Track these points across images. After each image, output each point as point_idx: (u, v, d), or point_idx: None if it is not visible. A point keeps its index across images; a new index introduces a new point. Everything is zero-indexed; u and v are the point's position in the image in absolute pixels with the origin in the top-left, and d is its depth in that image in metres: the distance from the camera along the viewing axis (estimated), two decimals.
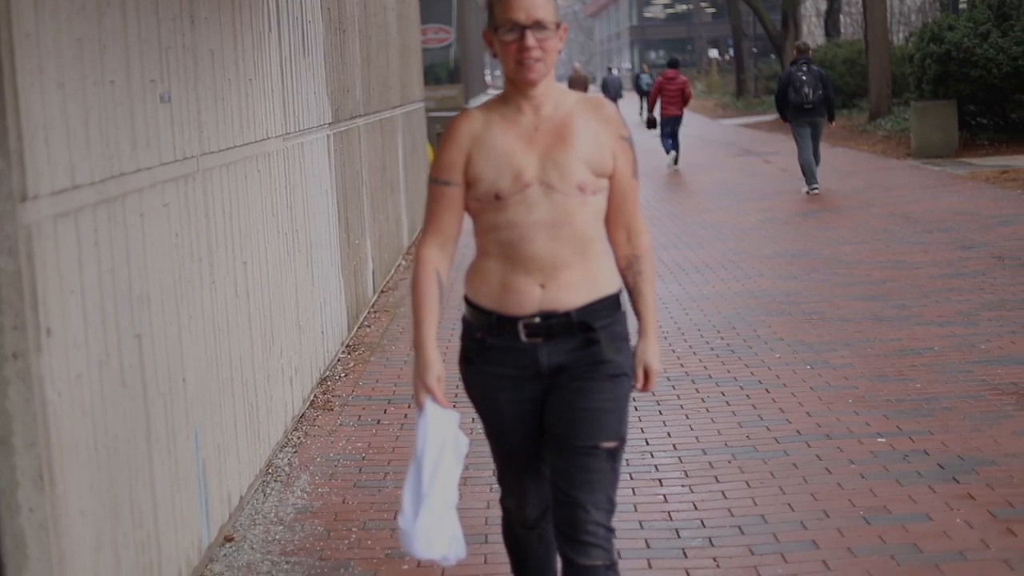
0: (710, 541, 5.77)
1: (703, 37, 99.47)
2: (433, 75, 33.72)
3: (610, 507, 4.10)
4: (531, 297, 4.04)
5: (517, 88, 4.08)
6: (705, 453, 7.05)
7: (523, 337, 4.07)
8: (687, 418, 7.73)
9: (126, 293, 4.71)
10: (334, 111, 10.14)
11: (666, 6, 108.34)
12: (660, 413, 7.82)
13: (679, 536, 5.86)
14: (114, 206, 4.64)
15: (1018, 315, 9.99)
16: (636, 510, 6.17)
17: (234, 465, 6.24)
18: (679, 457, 7.01)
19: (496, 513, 5.76)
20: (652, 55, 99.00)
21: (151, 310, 5.02)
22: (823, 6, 56.50)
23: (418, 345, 4.10)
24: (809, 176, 19.80)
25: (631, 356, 4.20)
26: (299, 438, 7.63)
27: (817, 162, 20.04)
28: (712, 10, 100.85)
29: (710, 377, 8.69)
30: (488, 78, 62.66)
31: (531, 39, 3.96)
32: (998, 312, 10.15)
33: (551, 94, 4.10)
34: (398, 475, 6.86)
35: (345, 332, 10.08)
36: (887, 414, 7.52)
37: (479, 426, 4.35)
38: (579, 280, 4.05)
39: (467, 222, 4.21)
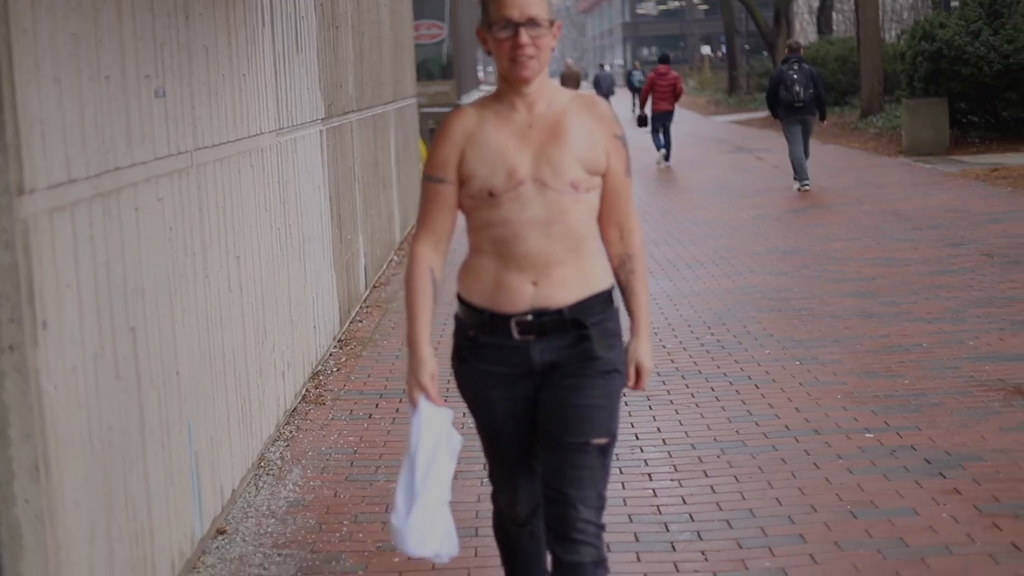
0: (699, 535, 5.82)
1: (696, 34, 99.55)
2: (426, 71, 33.73)
3: (600, 504, 4.12)
4: (523, 295, 4.05)
5: (511, 85, 4.09)
6: (694, 448, 7.10)
7: (516, 335, 4.08)
8: (677, 413, 7.79)
9: (121, 287, 4.76)
10: (327, 106, 10.19)
11: (659, 2, 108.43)
12: (650, 408, 7.87)
13: (668, 530, 5.91)
14: (109, 200, 4.69)
15: (1006, 312, 10.05)
16: (625, 504, 6.22)
17: (227, 458, 6.28)
18: (668, 452, 7.06)
19: (487, 507, 5.79)
20: (645, 51, 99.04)
21: (145, 304, 5.06)
22: (815, 3, 56.58)
23: (411, 343, 4.12)
24: (800, 172, 19.88)
25: (623, 353, 4.22)
26: (291, 432, 7.68)
27: (806, 159, 20.12)
28: (705, 7, 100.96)
29: (700, 373, 8.74)
30: (481, 74, 62.66)
31: (525, 36, 3.97)
32: (986, 309, 10.21)
33: (545, 91, 4.12)
34: (389, 469, 6.91)
35: (337, 327, 10.13)
36: (875, 410, 7.58)
37: (470, 421, 4.38)
38: (571, 277, 4.07)
39: (460, 220, 4.24)
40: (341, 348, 9.93)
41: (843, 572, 5.32)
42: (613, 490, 5.97)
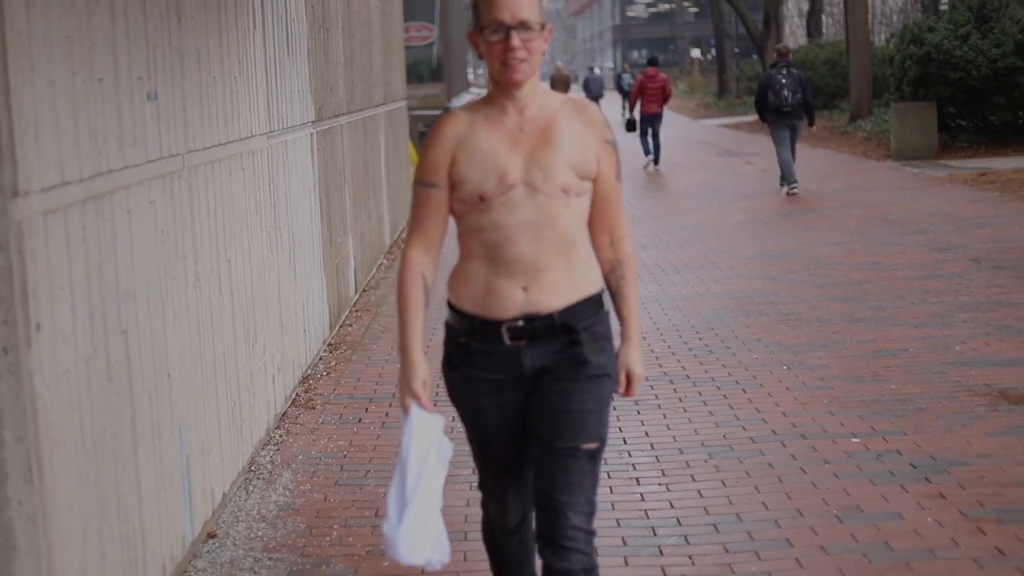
0: (686, 539, 5.86)
1: (685, 37, 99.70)
2: (416, 73, 33.73)
3: (590, 509, 4.13)
4: (514, 300, 4.06)
5: (502, 89, 4.09)
6: (682, 452, 7.14)
7: (507, 340, 4.09)
8: (664, 418, 7.82)
9: (113, 289, 4.78)
10: (317, 109, 10.21)
11: (648, 5, 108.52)
12: (638, 413, 7.90)
13: (655, 534, 5.94)
14: (102, 203, 4.71)
15: (992, 317, 10.10)
16: (613, 508, 6.25)
17: (217, 462, 6.30)
18: (656, 456, 7.09)
19: (476, 511, 5.82)
20: (635, 54, 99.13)
21: (137, 306, 5.08)
22: (805, 6, 56.70)
23: (403, 349, 4.13)
24: (788, 176, 19.95)
25: (614, 357, 4.23)
26: (281, 436, 7.70)
27: (794, 162, 20.21)
28: (695, 10, 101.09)
29: (688, 377, 8.77)
30: (471, 76, 62.64)
31: (516, 39, 3.97)
32: (973, 314, 10.26)
33: (536, 95, 4.12)
34: (379, 473, 6.94)
35: (327, 330, 10.15)
36: (862, 414, 7.62)
37: (460, 426, 4.39)
38: (561, 282, 4.08)
39: (452, 224, 4.26)
40: (331, 352, 9.95)
41: None
42: (601, 494, 5.96)
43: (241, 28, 7.41)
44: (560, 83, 40.11)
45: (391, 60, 17.42)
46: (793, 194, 19.76)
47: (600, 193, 4.18)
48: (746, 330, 10.14)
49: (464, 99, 37.62)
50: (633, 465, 6.95)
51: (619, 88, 50.20)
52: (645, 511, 6.24)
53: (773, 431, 7.41)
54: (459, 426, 4.39)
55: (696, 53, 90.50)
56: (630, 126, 26.77)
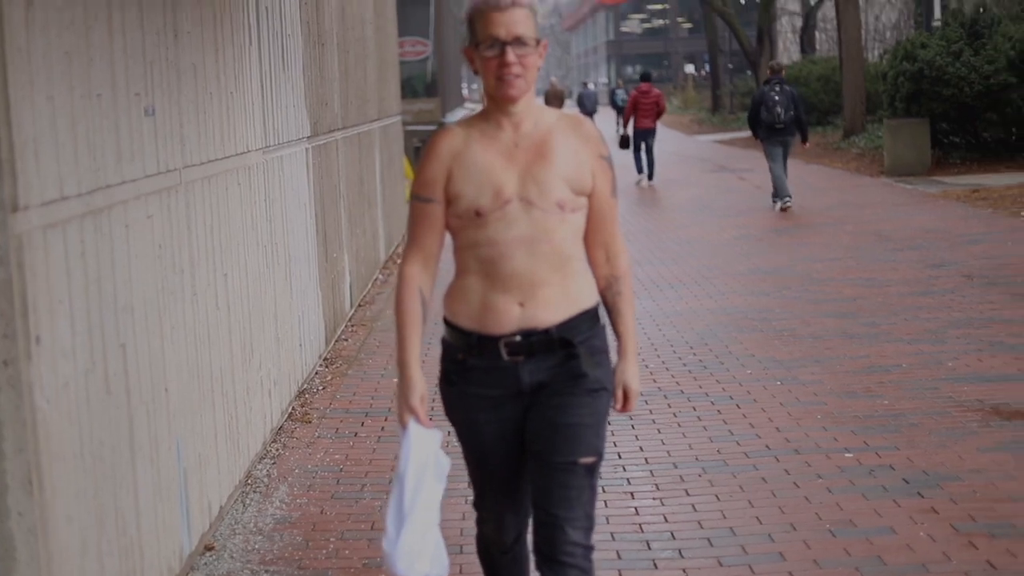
0: (680, 553, 5.89)
1: (679, 52, 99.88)
2: (410, 88, 33.76)
3: (589, 524, 4.15)
4: (510, 316, 4.07)
5: (498, 104, 4.11)
6: (676, 467, 7.17)
7: (504, 356, 4.10)
8: (659, 432, 7.85)
9: (111, 303, 4.81)
10: (313, 124, 10.25)
11: (643, 21, 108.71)
12: (633, 428, 7.93)
13: (649, 548, 5.97)
14: (100, 217, 4.75)
15: (985, 333, 10.14)
16: (608, 522, 6.27)
17: (214, 475, 6.33)
18: (651, 471, 7.12)
19: (472, 524, 5.84)
20: (629, 70, 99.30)
21: (135, 320, 5.12)
22: (799, 23, 56.86)
23: (401, 365, 4.15)
24: (781, 190, 20.03)
25: (610, 370, 4.24)
26: (278, 450, 7.73)
27: (786, 181, 20.33)
28: (689, 25, 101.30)
29: (682, 392, 8.81)
30: (465, 92, 62.70)
31: (511, 55, 3.99)
32: (965, 330, 10.30)
33: (531, 111, 4.14)
34: (375, 487, 6.97)
35: (323, 345, 10.18)
36: (855, 430, 7.65)
37: (456, 441, 4.39)
38: (557, 297, 4.09)
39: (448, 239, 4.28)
40: (327, 366, 9.98)
41: None
42: (596, 508, 6.02)
43: (237, 44, 7.45)
44: (554, 98, 40.15)
45: (386, 75, 17.48)
46: (787, 208, 19.83)
47: (595, 209, 4.19)
48: (740, 345, 10.18)
49: (458, 114, 37.70)
50: (628, 479, 6.98)
51: (613, 103, 50.24)
52: (639, 525, 6.27)
53: (767, 446, 7.45)
54: (455, 441, 4.41)
55: (690, 69, 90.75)
56: (624, 143, 26.84)
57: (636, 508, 6.52)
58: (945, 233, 16.29)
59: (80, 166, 4.55)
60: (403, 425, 4.10)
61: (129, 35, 5.25)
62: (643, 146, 26.69)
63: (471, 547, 5.53)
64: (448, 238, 4.23)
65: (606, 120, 53.19)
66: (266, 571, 5.84)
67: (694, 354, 9.99)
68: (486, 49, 4.03)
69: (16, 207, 3.97)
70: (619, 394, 4.26)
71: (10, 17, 3.98)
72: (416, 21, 37.25)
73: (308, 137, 9.99)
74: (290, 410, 8.51)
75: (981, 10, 25.65)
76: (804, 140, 20.65)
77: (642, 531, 6.19)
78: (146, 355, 5.25)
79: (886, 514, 6.23)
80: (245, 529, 6.39)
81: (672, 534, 6.13)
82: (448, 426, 4.34)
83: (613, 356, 4.27)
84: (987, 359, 9.29)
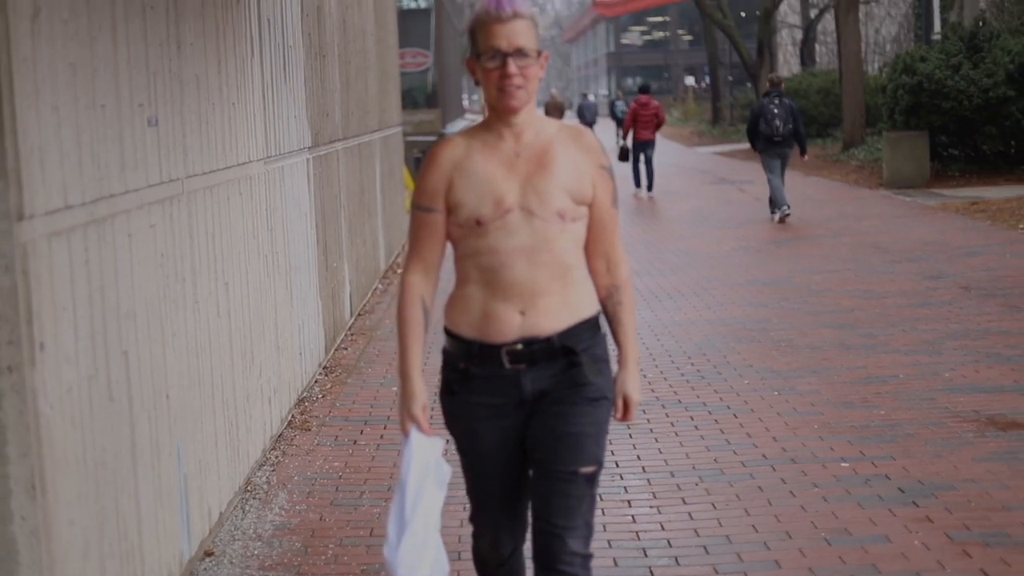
0: (676, 560, 5.94)
1: (680, 64, 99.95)
2: (411, 99, 33.83)
3: (588, 532, 4.18)
4: (511, 324, 4.09)
5: (499, 115, 4.14)
6: (673, 476, 7.22)
7: (506, 364, 4.12)
8: (656, 441, 7.90)
9: (114, 310, 4.87)
10: (314, 135, 10.31)
11: (643, 33, 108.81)
12: (630, 436, 7.98)
13: (646, 555, 6.02)
14: (104, 226, 4.80)
15: (982, 344, 10.20)
16: (605, 530, 6.32)
17: (214, 482, 6.38)
18: (648, 479, 7.17)
19: (469, 532, 5.90)
20: (629, 81, 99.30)
21: (137, 328, 5.17)
22: (799, 35, 56.93)
23: (403, 374, 4.18)
24: (779, 200, 20.10)
25: (611, 379, 4.26)
26: (277, 457, 7.78)
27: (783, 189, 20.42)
28: (689, 38, 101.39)
29: (680, 402, 8.86)
30: (465, 103, 62.79)
31: (512, 67, 4.02)
32: (962, 341, 10.35)
33: (533, 121, 4.17)
34: (374, 494, 7.02)
35: (322, 354, 10.23)
36: (851, 440, 7.71)
37: (455, 449, 4.43)
38: (557, 306, 4.11)
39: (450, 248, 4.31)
40: (326, 375, 10.04)
41: None
42: (594, 516, 6.08)
43: (239, 55, 7.52)
44: (554, 110, 40.23)
45: (386, 87, 17.54)
46: (786, 218, 19.91)
47: (596, 219, 4.22)
48: (738, 356, 10.24)
49: (459, 125, 37.78)
50: (625, 488, 7.03)
51: (612, 115, 50.29)
52: (636, 533, 6.32)
53: (763, 455, 7.50)
54: (455, 451, 4.43)
55: (690, 81, 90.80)
56: (623, 155, 26.94)
57: (633, 516, 6.57)
58: (943, 245, 16.35)
59: (84, 175, 4.60)
60: (405, 433, 4.13)
61: (133, 46, 5.31)
62: (642, 158, 26.82)
63: (469, 554, 5.59)
64: (449, 248, 4.26)
65: (606, 131, 53.25)
66: None
67: (692, 364, 10.04)
68: (488, 60, 4.05)
69: (21, 216, 4.02)
70: (619, 403, 4.28)
71: (16, 28, 4.03)
72: (417, 32, 37.33)
73: (309, 147, 10.05)
74: (290, 418, 8.56)
75: (980, 24, 25.71)
76: (803, 153, 20.77)
77: (639, 539, 6.24)
78: (148, 362, 5.31)
79: (881, 523, 6.28)
80: (244, 535, 6.44)
81: (669, 542, 6.18)
82: (448, 436, 4.36)
83: (613, 365, 4.30)
84: (983, 370, 9.34)
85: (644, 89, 27.89)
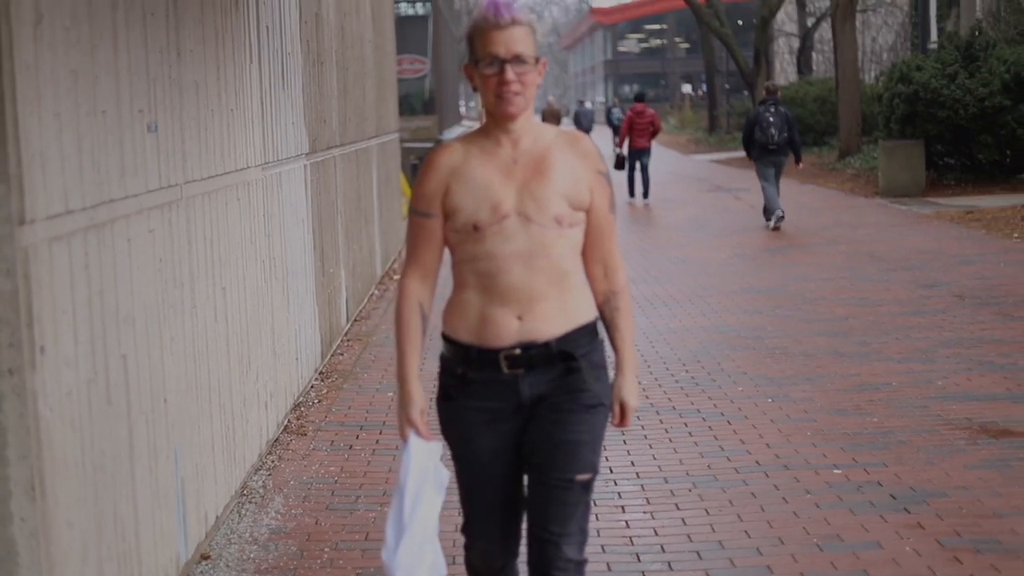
0: (669, 565, 5.98)
1: (676, 72, 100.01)
2: (408, 105, 33.84)
3: (582, 538, 4.21)
4: (509, 329, 4.11)
5: (497, 121, 4.15)
6: (667, 481, 7.27)
7: (505, 369, 4.13)
8: (650, 448, 7.95)
9: (113, 314, 4.91)
10: (311, 141, 10.36)
11: (640, 41, 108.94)
12: (624, 443, 8.02)
13: (639, 560, 6.07)
14: (103, 231, 4.85)
15: (975, 353, 10.25)
16: (599, 535, 6.36)
17: (211, 485, 6.42)
18: (642, 485, 7.22)
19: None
20: (626, 89, 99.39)
21: (136, 332, 5.21)
22: (796, 44, 57.00)
23: (401, 379, 4.20)
24: (772, 206, 20.20)
25: (608, 386, 4.28)
26: (273, 461, 7.82)
27: (777, 197, 20.51)
28: (686, 46, 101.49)
29: (674, 409, 8.91)
30: (462, 109, 62.84)
31: (510, 73, 4.03)
32: (956, 349, 10.41)
33: (530, 128, 4.18)
34: (370, 498, 7.06)
35: (319, 359, 10.27)
36: (844, 447, 7.75)
37: (450, 457, 4.44)
38: (554, 312, 4.13)
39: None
40: (323, 380, 10.08)
41: None
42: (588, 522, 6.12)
43: (238, 62, 7.56)
44: (551, 117, 40.33)
45: (384, 93, 17.59)
46: (780, 220, 20.02)
47: (593, 224, 4.23)
48: (732, 363, 10.29)
49: (456, 131, 37.82)
50: (619, 493, 7.08)
51: (609, 122, 50.40)
52: (630, 538, 6.37)
53: (757, 462, 7.54)
54: (450, 456, 4.45)
55: (687, 89, 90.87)
56: (619, 163, 27.03)
57: (627, 522, 6.62)
58: (938, 254, 16.41)
59: (85, 181, 4.65)
60: (403, 438, 4.16)
61: (133, 53, 5.35)
62: (638, 165, 26.92)
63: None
64: (447, 253, 4.28)
65: (602, 138, 53.36)
66: None
67: (686, 371, 10.09)
68: (485, 67, 4.07)
69: (23, 220, 4.07)
70: (616, 409, 4.29)
71: (19, 35, 4.08)
72: (414, 39, 37.37)
73: (307, 154, 10.09)
74: (286, 422, 8.60)
75: (977, 33, 25.78)
76: (797, 161, 20.84)
77: (632, 544, 6.28)
78: (146, 366, 5.35)
79: (873, 529, 6.33)
80: (241, 539, 6.48)
81: (662, 547, 6.22)
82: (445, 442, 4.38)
83: (610, 371, 4.33)
84: (976, 378, 9.40)
85: (639, 97, 28.04)
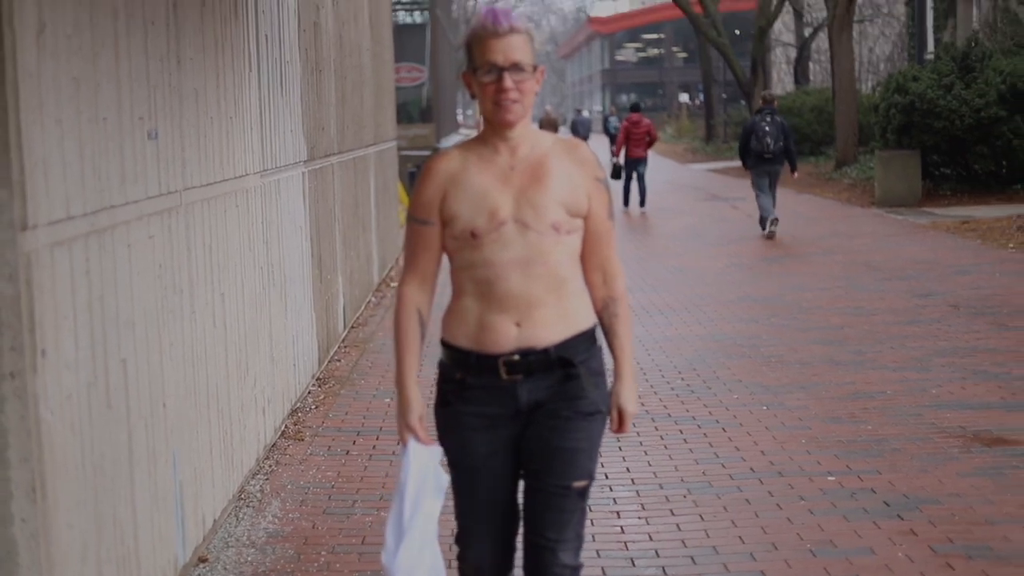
0: (663, 570, 6.03)
1: (674, 81, 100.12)
2: (405, 113, 33.86)
3: (578, 544, 4.25)
4: (508, 336, 4.13)
5: (495, 129, 4.18)
6: (662, 487, 7.31)
7: (503, 375, 4.15)
8: (646, 454, 8.00)
9: (113, 319, 4.96)
10: (309, 149, 10.41)
11: (638, 50, 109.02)
12: (620, 449, 8.07)
13: (634, 565, 6.11)
14: (104, 237, 4.90)
15: (969, 362, 10.30)
16: (594, 540, 6.40)
17: (209, 489, 6.47)
18: (637, 491, 7.27)
19: None
20: (623, 98, 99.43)
21: (135, 336, 5.26)
22: (793, 54, 57.09)
23: (400, 384, 4.23)
24: (767, 212, 20.28)
25: (606, 392, 4.30)
26: (271, 466, 7.87)
27: (773, 208, 20.58)
28: (683, 55, 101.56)
29: (669, 416, 8.95)
30: (460, 117, 62.88)
31: (508, 81, 4.05)
32: (950, 359, 10.46)
33: (528, 135, 4.21)
34: (366, 503, 7.11)
35: (316, 365, 10.32)
36: (838, 454, 7.80)
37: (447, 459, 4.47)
38: (553, 318, 4.15)
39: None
40: (320, 386, 10.12)
41: None
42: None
43: (237, 70, 7.61)
44: (548, 126, 40.38)
45: (382, 101, 17.65)
46: (775, 224, 20.11)
47: (591, 231, 4.25)
48: (728, 371, 10.33)
49: (453, 139, 37.89)
50: (614, 499, 7.12)
51: (606, 130, 50.47)
52: (625, 543, 6.41)
53: (751, 468, 7.59)
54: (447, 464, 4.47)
55: (684, 98, 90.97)
56: (616, 173, 27.10)
57: (622, 527, 6.66)
58: (934, 264, 16.46)
59: (86, 187, 4.70)
60: (403, 443, 4.19)
61: (134, 61, 5.40)
62: (635, 175, 27.04)
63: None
64: (445, 261, 4.31)
65: (599, 146, 53.41)
66: None
67: (682, 379, 10.14)
68: (484, 75, 4.10)
69: (25, 226, 4.12)
70: (614, 415, 4.31)
71: (22, 42, 4.13)
72: (412, 47, 37.42)
73: (305, 161, 10.14)
74: (283, 428, 8.65)
75: (973, 44, 25.85)
76: (793, 170, 20.92)
77: (627, 549, 6.33)
78: (145, 370, 5.40)
79: (866, 535, 6.37)
80: (238, 542, 6.53)
81: (656, 552, 6.27)
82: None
83: (609, 377, 4.34)
84: (971, 387, 9.45)
85: (635, 108, 28.17)
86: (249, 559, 6.28)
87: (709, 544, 6.35)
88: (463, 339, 4.19)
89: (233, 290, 7.22)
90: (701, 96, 68.92)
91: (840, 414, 8.79)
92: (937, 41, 33.56)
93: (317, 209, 10.71)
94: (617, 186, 27.27)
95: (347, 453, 8.19)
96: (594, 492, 7.05)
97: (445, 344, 4.27)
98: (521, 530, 4.34)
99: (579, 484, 4.21)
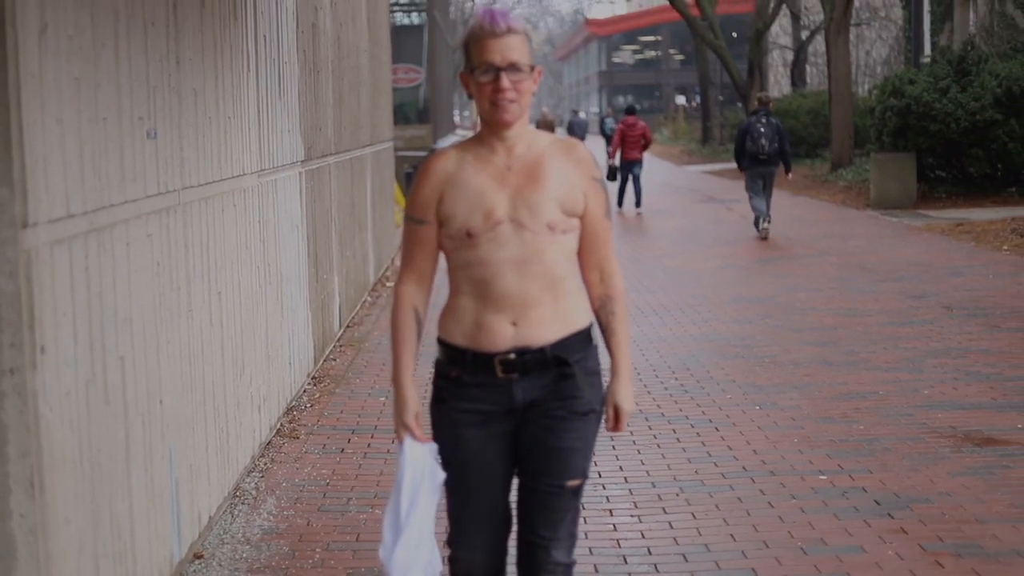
0: (656, 568, 6.08)
1: (671, 84, 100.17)
2: (402, 114, 33.91)
3: (571, 542, 4.29)
4: (504, 335, 4.15)
5: (492, 129, 4.19)
6: (654, 486, 7.37)
7: (499, 373, 4.17)
8: (639, 453, 8.05)
9: (112, 317, 5.01)
10: (307, 149, 10.45)
11: (635, 52, 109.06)
12: (613, 448, 8.12)
13: (626, 562, 6.17)
14: (103, 235, 4.95)
15: (961, 363, 10.36)
16: (587, 537, 6.45)
17: (204, 486, 6.52)
18: (630, 489, 7.32)
19: None
20: (620, 100, 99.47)
21: (133, 334, 5.31)
22: (790, 56, 57.14)
23: (396, 383, 4.26)
24: (760, 213, 20.36)
25: (602, 392, 4.33)
26: (266, 464, 7.92)
27: (767, 209, 20.66)
28: (680, 57, 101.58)
29: (663, 415, 9.01)
30: (456, 118, 62.91)
31: (506, 81, 4.06)
32: (942, 360, 10.52)
33: (525, 135, 4.23)
34: (361, 500, 7.16)
35: (311, 364, 10.37)
36: (830, 453, 7.86)
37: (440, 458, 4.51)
38: (549, 317, 4.17)
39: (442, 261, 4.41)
40: (315, 385, 10.17)
41: None
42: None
43: (236, 70, 7.67)
44: (545, 127, 40.50)
45: (379, 102, 17.69)
46: (767, 222, 20.20)
47: (588, 230, 4.27)
48: (721, 371, 10.39)
49: (449, 140, 37.90)
50: (607, 497, 7.17)
51: (602, 132, 50.54)
52: (617, 540, 6.47)
53: (743, 467, 7.65)
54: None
55: (681, 100, 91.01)
56: (611, 175, 27.16)
57: (614, 524, 6.72)
58: (928, 266, 16.52)
59: (86, 186, 4.75)
60: (399, 441, 4.23)
61: (134, 61, 5.46)
62: (630, 177, 27.12)
63: None
64: (443, 260, 4.33)
65: (595, 148, 53.43)
66: None
67: (676, 379, 10.19)
68: (481, 75, 4.12)
69: (26, 223, 4.17)
70: (610, 413, 4.33)
71: (24, 43, 4.19)
72: (409, 49, 37.46)
73: (302, 161, 10.19)
74: (279, 426, 8.70)
75: (969, 48, 25.92)
76: (788, 170, 20.99)
77: (619, 546, 6.38)
78: (143, 368, 5.45)
79: (856, 533, 6.43)
80: (233, 539, 6.58)
81: (648, 550, 6.32)
82: None
83: (605, 377, 4.36)
84: (962, 387, 9.51)
85: (630, 111, 28.25)
86: (244, 555, 6.34)
87: (701, 542, 6.40)
88: (459, 337, 4.22)
89: (230, 288, 7.28)
90: (698, 98, 68.87)
91: (832, 414, 8.85)
92: (934, 45, 33.66)
93: (314, 209, 10.76)
94: (612, 188, 27.32)
95: (342, 451, 8.24)
96: (587, 490, 7.09)
97: (441, 342, 4.30)
98: (515, 528, 4.37)
99: (573, 483, 4.25)
